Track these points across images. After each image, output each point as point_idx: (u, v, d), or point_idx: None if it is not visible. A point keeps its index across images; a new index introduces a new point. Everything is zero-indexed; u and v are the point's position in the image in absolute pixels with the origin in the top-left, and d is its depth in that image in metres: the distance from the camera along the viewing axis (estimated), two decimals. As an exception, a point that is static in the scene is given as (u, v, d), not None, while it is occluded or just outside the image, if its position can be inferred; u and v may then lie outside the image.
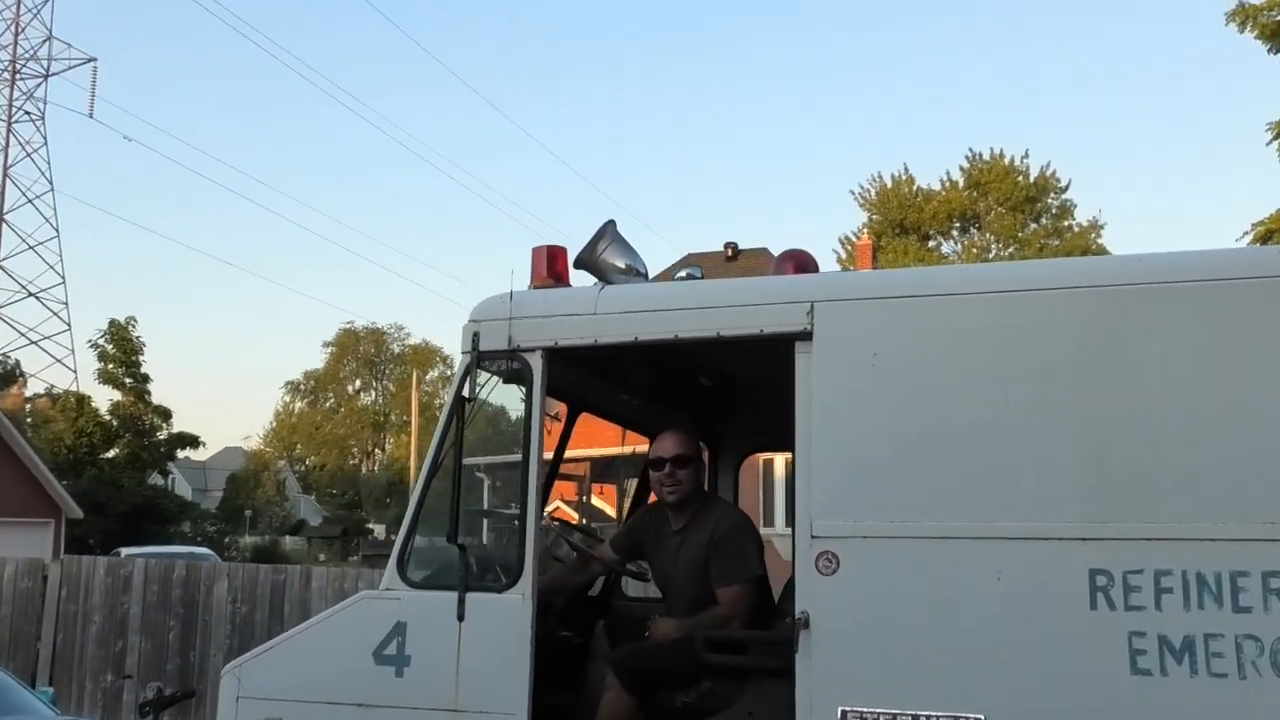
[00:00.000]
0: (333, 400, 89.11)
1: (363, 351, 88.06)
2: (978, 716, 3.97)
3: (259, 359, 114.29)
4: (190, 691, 9.35)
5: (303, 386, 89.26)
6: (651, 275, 5.22)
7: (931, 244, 59.86)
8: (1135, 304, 4.05)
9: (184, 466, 61.45)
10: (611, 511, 35.00)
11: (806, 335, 4.39)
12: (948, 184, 60.17)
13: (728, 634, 4.77)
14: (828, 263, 60.04)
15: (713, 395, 6.33)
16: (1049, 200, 60.13)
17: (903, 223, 57.99)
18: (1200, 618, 3.83)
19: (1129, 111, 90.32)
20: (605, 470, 31.19)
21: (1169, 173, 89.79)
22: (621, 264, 5.14)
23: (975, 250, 59.05)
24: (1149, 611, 3.88)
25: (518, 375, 4.79)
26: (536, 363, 4.75)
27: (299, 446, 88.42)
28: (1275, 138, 22.00)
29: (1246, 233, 20.25)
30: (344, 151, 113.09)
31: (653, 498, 5.41)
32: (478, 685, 4.55)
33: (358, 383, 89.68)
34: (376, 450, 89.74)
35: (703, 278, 5.27)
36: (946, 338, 4.24)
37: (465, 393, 4.72)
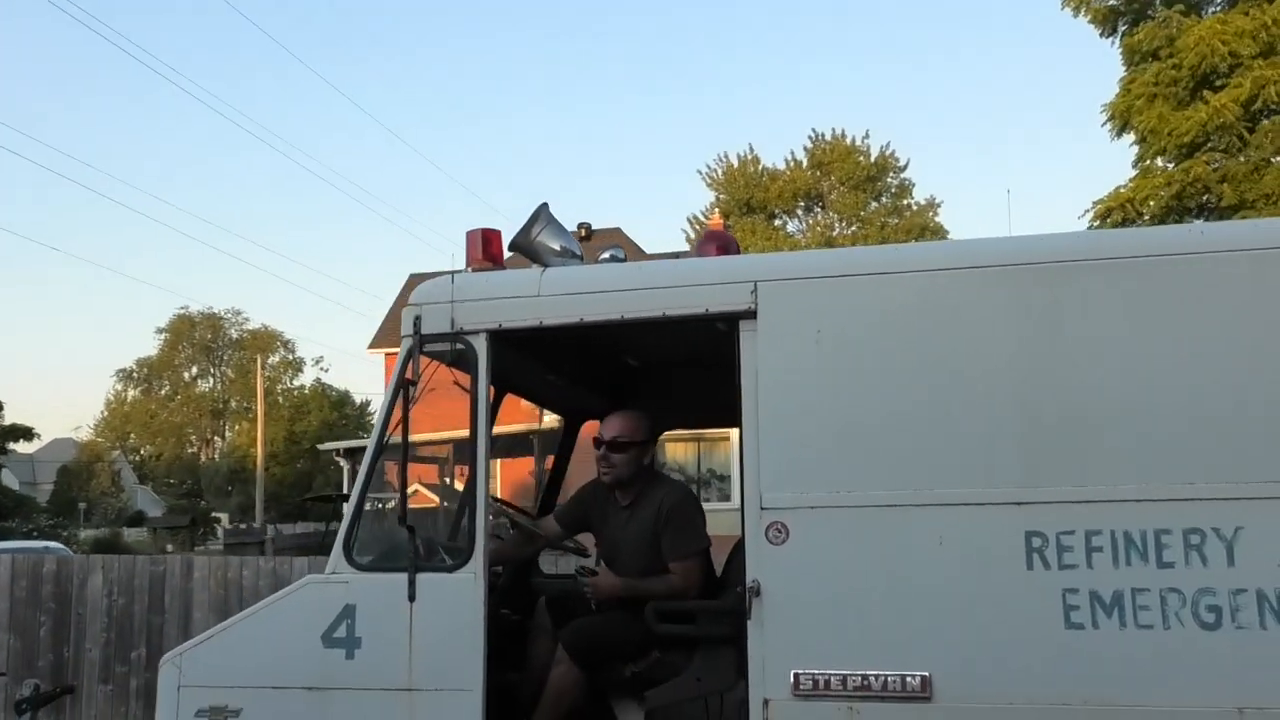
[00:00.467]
0: (168, 388, 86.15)
1: (199, 337, 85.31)
2: (923, 673, 4.19)
3: (90, 348, 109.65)
4: (69, 688, 9.10)
5: (136, 374, 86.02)
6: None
7: (777, 222, 61.08)
8: (1061, 280, 4.30)
9: (10, 460, 58.73)
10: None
11: (751, 314, 4.54)
12: (792, 164, 61.42)
13: (677, 605, 4.90)
14: (677, 241, 60.86)
15: (625, 376, 6.44)
16: (889, 179, 61.94)
17: (749, 202, 58.97)
18: (1128, 574, 4.11)
19: (966, 92, 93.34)
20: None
21: (1007, 154, 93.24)
22: (556, 246, 5.21)
23: (819, 229, 60.43)
24: (1081, 570, 4.14)
25: (462, 358, 4.82)
26: (481, 345, 4.79)
27: (133, 436, 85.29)
28: (1109, 119, 23.14)
29: (1087, 210, 21.31)
30: (171, 132, 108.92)
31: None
32: (431, 664, 4.59)
33: (194, 369, 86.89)
34: (216, 438, 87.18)
35: (625, 259, 5.37)
36: (885, 315, 4.43)
37: (408, 375, 4.73)
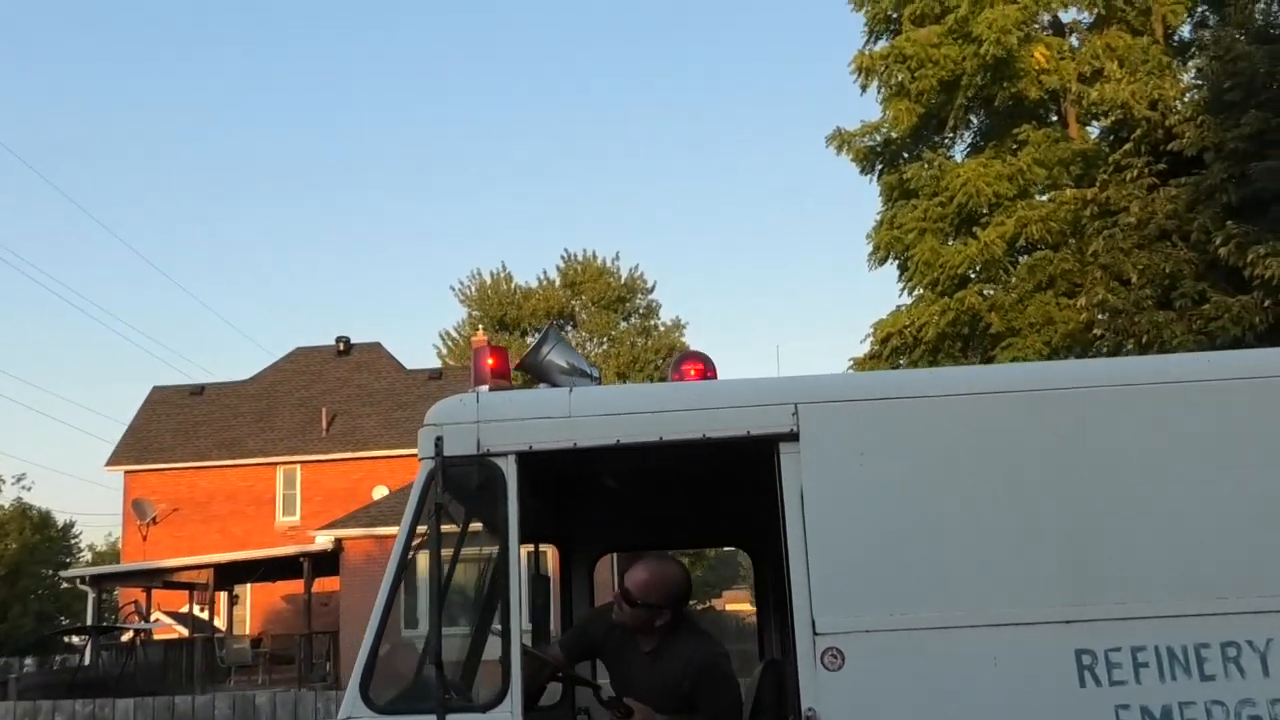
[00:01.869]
0: None
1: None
2: (988, 796, 4.21)
3: None
4: None
5: None
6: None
7: (530, 340, 61.53)
8: (1098, 404, 4.53)
9: None
10: (221, 623, 33.00)
11: (793, 436, 4.55)
12: (545, 282, 62.32)
13: None
14: (428, 357, 60.23)
15: (567, 496, 6.32)
16: (638, 300, 63.59)
17: (502, 319, 59.29)
18: (1174, 688, 4.27)
19: (716, 216, 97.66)
20: (228, 576, 29.41)
21: (762, 278, 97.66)
22: (565, 365, 5.10)
23: (573, 345, 61.16)
24: (1130, 685, 4.28)
25: (489, 481, 4.60)
26: (510, 468, 4.60)
27: None
28: (874, 250, 24.63)
29: (867, 335, 22.48)
30: None
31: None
32: (466, 815, 4.28)
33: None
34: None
35: (599, 381, 5.29)
36: (927, 437, 4.53)
37: (433, 500, 4.48)
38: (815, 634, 4.37)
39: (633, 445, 4.63)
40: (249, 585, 34.39)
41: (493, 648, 4.63)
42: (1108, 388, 4.57)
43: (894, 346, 21.29)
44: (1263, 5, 19.60)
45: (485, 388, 4.84)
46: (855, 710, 4.28)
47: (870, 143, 26.17)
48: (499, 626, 4.58)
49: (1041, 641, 4.33)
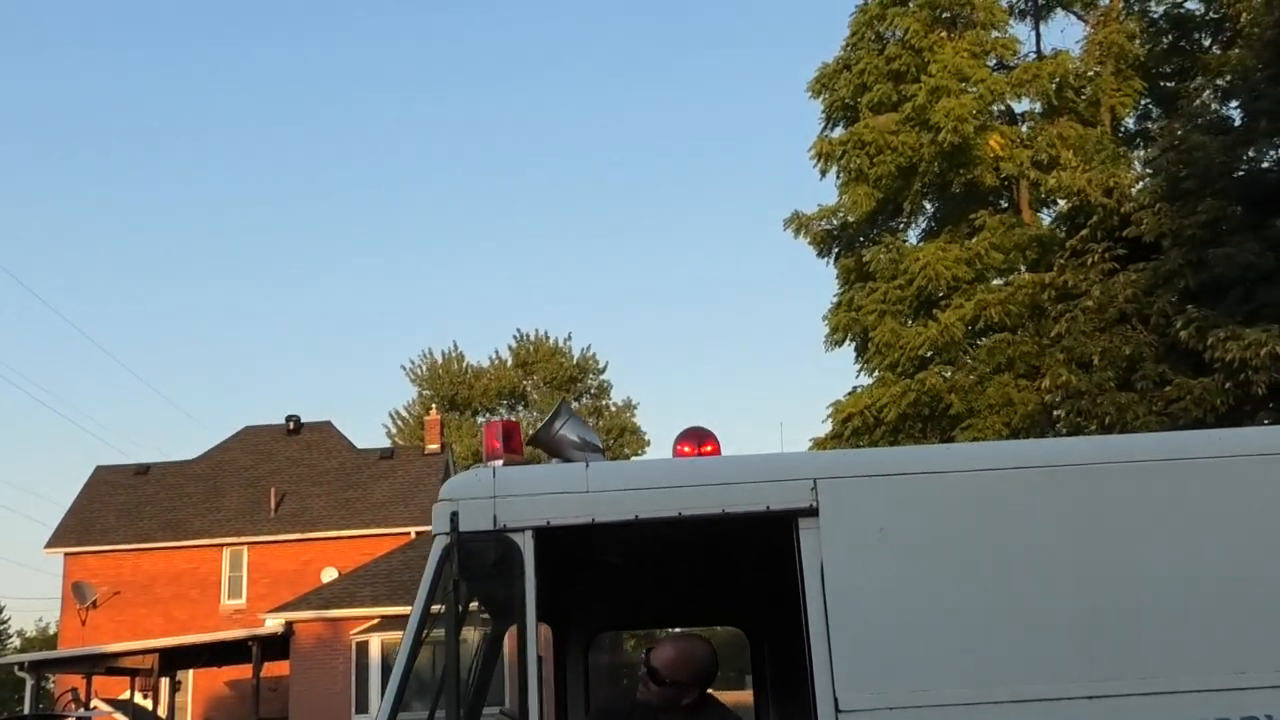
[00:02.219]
0: None
1: None
2: None
3: None
4: None
5: None
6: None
7: (480, 419, 61.30)
8: (1115, 480, 4.57)
9: None
10: (163, 711, 32.11)
11: (813, 512, 4.54)
12: (497, 362, 62.37)
13: None
14: (378, 436, 59.76)
15: (566, 573, 6.25)
16: (589, 380, 63.74)
17: (453, 398, 59.16)
18: (1194, 764, 4.29)
19: (673, 298, 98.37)
20: (172, 661, 28.69)
21: (717, 359, 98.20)
22: (577, 439, 5.08)
23: (524, 426, 61.04)
24: (1150, 763, 4.29)
25: (506, 557, 4.54)
26: (527, 543, 4.54)
27: None
28: (832, 331, 24.93)
29: (827, 415, 22.64)
30: None
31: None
32: None
33: None
34: None
35: (605, 457, 5.27)
36: (946, 512, 4.53)
37: (449, 576, 4.41)
38: (839, 711, 4.33)
39: (651, 520, 4.61)
40: (191, 671, 33.57)
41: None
42: (1124, 464, 4.61)
43: (854, 427, 21.46)
44: (1209, 94, 20.30)
45: (499, 462, 4.80)
46: None
47: (828, 226, 26.63)
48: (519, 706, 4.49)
49: (1064, 718, 4.32)
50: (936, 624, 4.41)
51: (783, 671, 6.68)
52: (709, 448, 5.25)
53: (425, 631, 4.51)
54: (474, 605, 4.82)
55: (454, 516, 4.53)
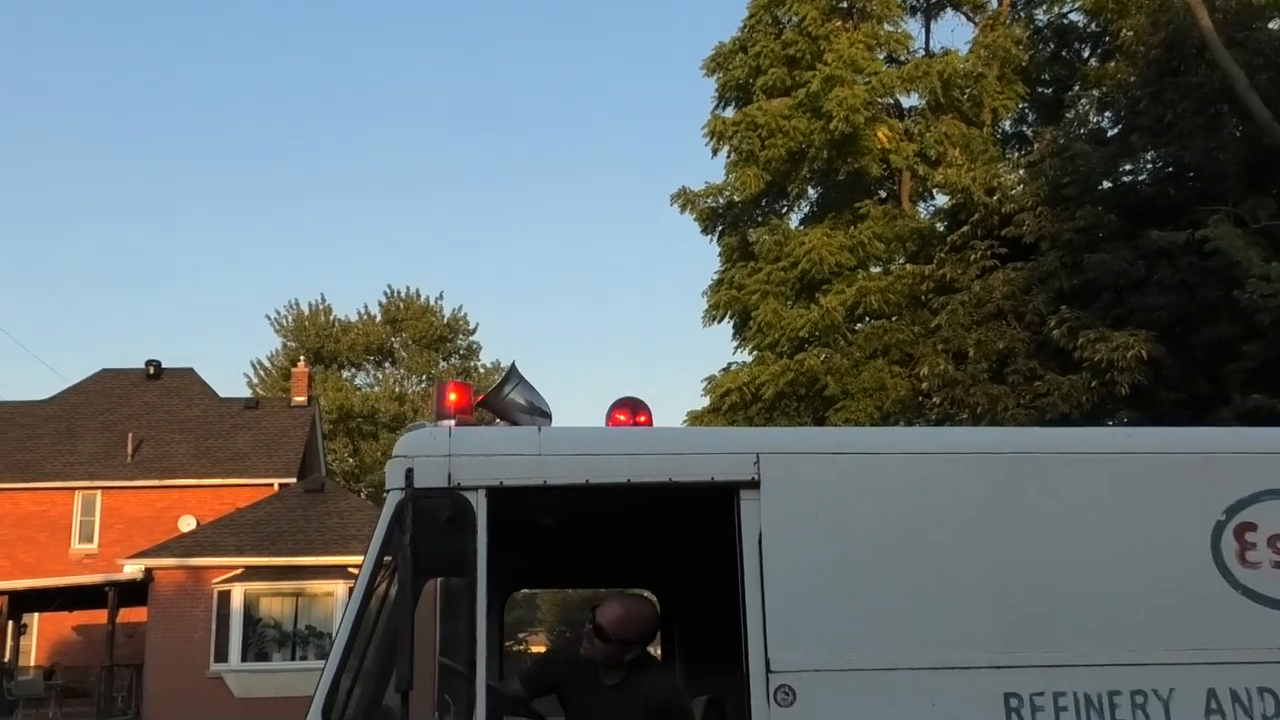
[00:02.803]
0: None
1: None
2: (922, 829, 4.51)
3: None
4: None
5: None
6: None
7: (346, 374, 60.46)
8: (1030, 469, 4.93)
9: None
10: (6, 654, 31.10)
11: (754, 484, 4.79)
12: (365, 317, 61.45)
13: None
14: (239, 386, 58.41)
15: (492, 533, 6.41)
16: (459, 340, 63.30)
17: (319, 351, 58.15)
18: (1089, 731, 4.69)
19: (546, 264, 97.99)
20: (21, 604, 27.84)
21: (589, 328, 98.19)
22: (524, 403, 5.23)
23: (390, 383, 60.46)
24: (1052, 728, 4.67)
25: (459, 514, 4.69)
26: (480, 502, 4.69)
27: None
28: (713, 308, 25.36)
29: (704, 390, 23.06)
30: None
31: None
32: (430, 839, 4.33)
33: None
34: None
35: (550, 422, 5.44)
36: (878, 490, 4.84)
37: (403, 530, 4.54)
38: (769, 671, 4.59)
39: (600, 485, 4.80)
40: (37, 615, 32.59)
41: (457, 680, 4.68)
42: (1039, 454, 4.98)
43: (732, 403, 21.93)
44: (1085, 103, 21.20)
45: (452, 423, 4.94)
46: None
47: (713, 204, 26.99)
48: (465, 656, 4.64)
49: (974, 684, 4.66)
50: (863, 595, 4.71)
51: (690, 632, 6.94)
52: (643, 417, 5.47)
53: (377, 583, 4.63)
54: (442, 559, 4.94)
55: (409, 473, 4.65)
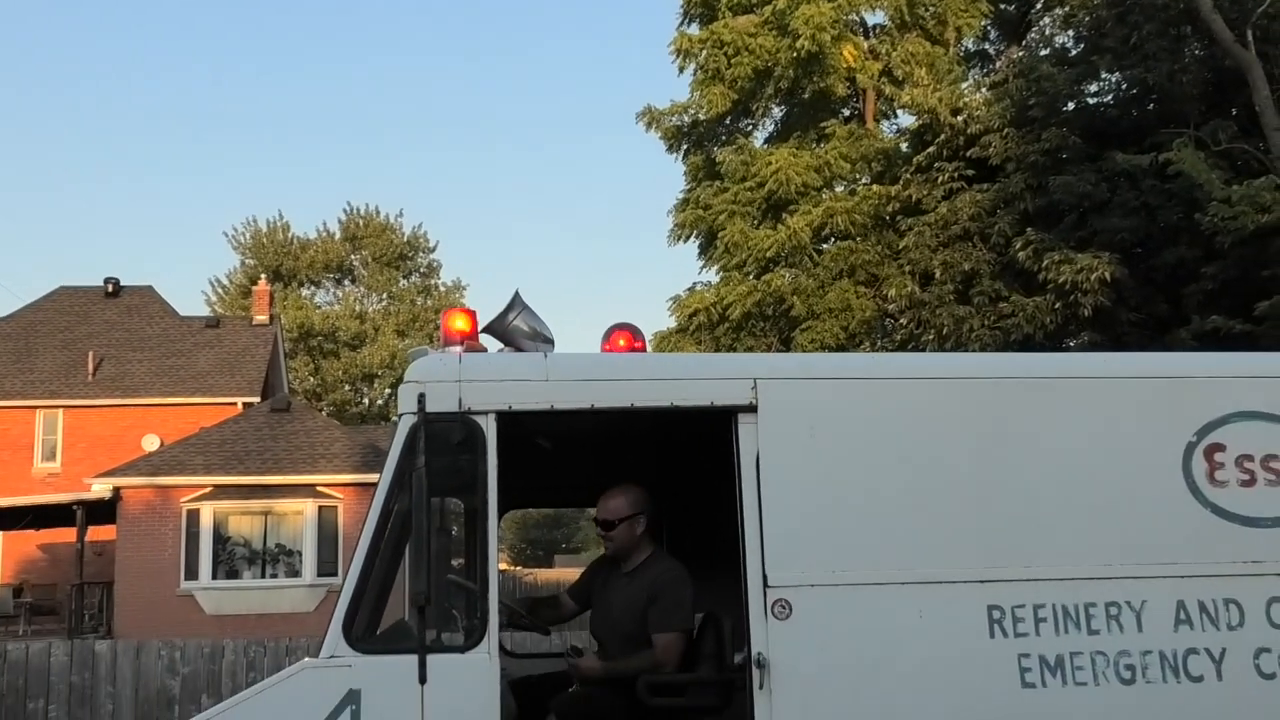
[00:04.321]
0: None
1: None
2: (910, 730, 4.80)
3: None
4: None
5: None
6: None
7: (306, 292, 60.06)
8: (1014, 394, 5.16)
9: None
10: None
11: (751, 408, 4.99)
12: (324, 234, 60.89)
13: (669, 678, 5.17)
14: (196, 303, 57.91)
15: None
16: (419, 259, 62.93)
17: (278, 269, 57.66)
18: (1066, 640, 4.94)
19: (508, 183, 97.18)
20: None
21: (551, 245, 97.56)
22: (529, 330, 5.38)
23: (351, 300, 60.15)
24: (1031, 637, 4.92)
25: (469, 438, 4.85)
26: (490, 426, 4.86)
27: None
28: (679, 227, 25.44)
29: (670, 310, 23.21)
30: None
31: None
32: (445, 746, 4.56)
33: None
34: None
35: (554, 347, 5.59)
36: (871, 414, 5.05)
37: (417, 452, 4.70)
38: (767, 586, 4.83)
39: (606, 410, 4.98)
40: (1, 534, 32.58)
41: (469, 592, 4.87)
42: (1024, 379, 5.21)
43: (699, 323, 22.12)
44: (1048, 20, 21.24)
45: (459, 349, 5.08)
46: (800, 654, 4.78)
47: (678, 123, 26.92)
48: (478, 573, 4.84)
49: (959, 598, 4.92)
50: (856, 514, 4.95)
51: (689, 553, 7.15)
52: (639, 343, 5.65)
53: (393, 504, 4.79)
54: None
55: (421, 398, 4.81)
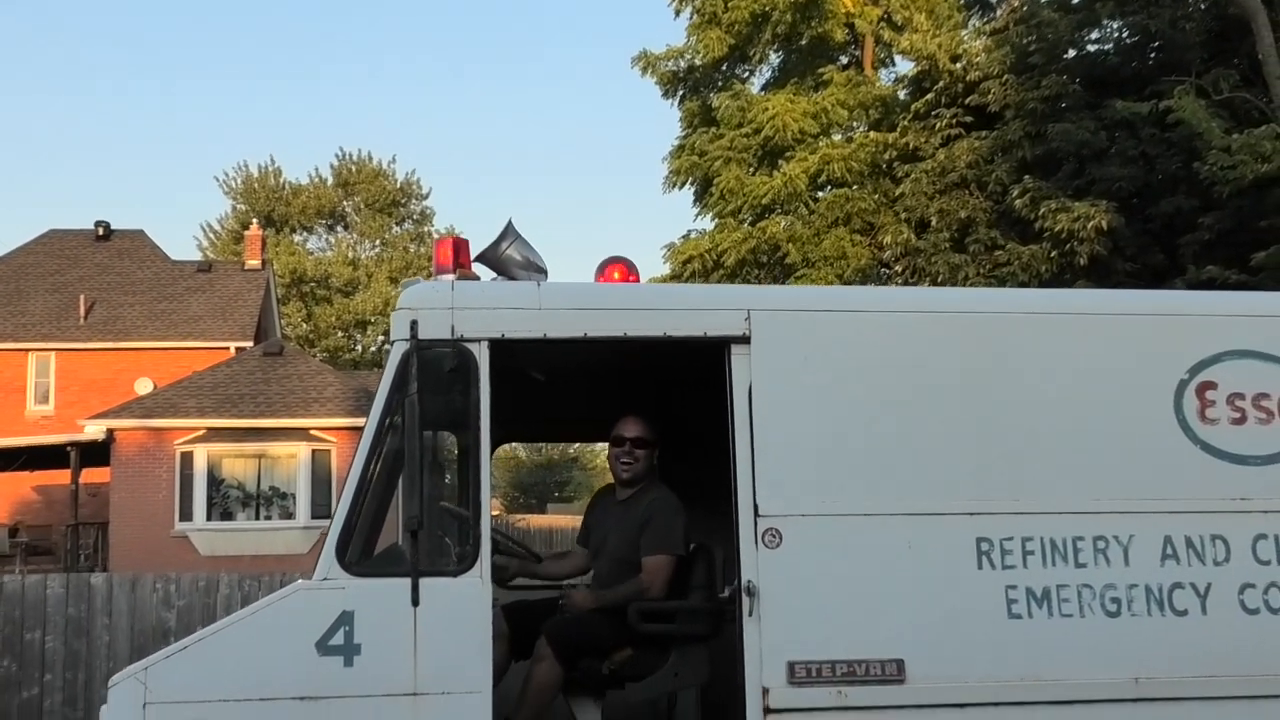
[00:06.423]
0: None
1: None
2: (898, 658, 4.85)
3: None
4: None
5: None
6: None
7: (298, 238, 59.80)
8: (1005, 329, 5.16)
9: None
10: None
11: (745, 339, 5.00)
12: (316, 180, 60.52)
13: (659, 605, 5.21)
14: (187, 248, 57.66)
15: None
16: (412, 205, 62.62)
17: (270, 214, 57.37)
18: (1053, 573, 4.97)
19: (501, 127, 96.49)
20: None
21: (544, 190, 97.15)
22: (521, 260, 5.37)
23: (344, 247, 59.90)
24: (1018, 569, 4.96)
25: (462, 365, 4.86)
26: (482, 354, 4.86)
27: None
28: (674, 174, 25.34)
29: (665, 258, 23.16)
30: None
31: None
32: (439, 668, 4.60)
33: None
34: None
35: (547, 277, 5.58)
36: (863, 347, 5.06)
37: (406, 380, 4.70)
38: (757, 515, 4.86)
39: (598, 339, 4.98)
40: (-2, 474, 32.64)
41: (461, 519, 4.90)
42: (1018, 314, 5.21)
43: (694, 269, 22.07)
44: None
45: (452, 277, 5.08)
46: (790, 582, 4.82)
47: (674, 68, 26.72)
48: (470, 498, 4.86)
49: (948, 530, 4.95)
50: (847, 445, 4.97)
51: (682, 484, 7.19)
52: (634, 278, 5.64)
53: (385, 431, 4.81)
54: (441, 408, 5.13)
55: (413, 324, 4.80)
